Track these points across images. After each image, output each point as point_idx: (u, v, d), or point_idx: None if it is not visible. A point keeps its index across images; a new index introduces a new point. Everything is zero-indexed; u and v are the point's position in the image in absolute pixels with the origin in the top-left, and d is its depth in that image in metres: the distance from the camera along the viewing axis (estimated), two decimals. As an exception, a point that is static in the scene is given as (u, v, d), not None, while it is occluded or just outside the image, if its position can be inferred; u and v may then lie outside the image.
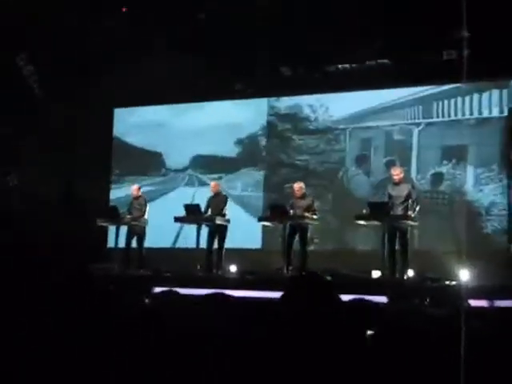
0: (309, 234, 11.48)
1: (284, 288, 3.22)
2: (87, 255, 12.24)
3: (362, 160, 13.84)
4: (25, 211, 13.15)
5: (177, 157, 15.33)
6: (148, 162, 15.71)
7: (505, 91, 12.69)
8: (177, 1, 12.47)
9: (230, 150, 14.85)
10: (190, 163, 15.26)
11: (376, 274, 10.76)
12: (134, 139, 15.78)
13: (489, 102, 12.75)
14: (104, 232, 14.10)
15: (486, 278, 10.32)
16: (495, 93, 12.75)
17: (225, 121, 14.59)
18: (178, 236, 14.28)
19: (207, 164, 15.11)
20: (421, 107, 13.33)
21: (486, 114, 12.81)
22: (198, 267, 11.79)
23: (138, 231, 12.52)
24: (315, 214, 11.49)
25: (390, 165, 12.78)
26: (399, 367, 2.93)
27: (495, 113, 12.74)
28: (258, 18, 12.29)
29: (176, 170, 15.44)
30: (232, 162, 14.87)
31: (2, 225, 12.00)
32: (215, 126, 14.62)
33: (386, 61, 13.18)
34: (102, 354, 3.10)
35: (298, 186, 11.72)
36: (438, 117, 13.17)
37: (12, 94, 13.86)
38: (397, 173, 11.02)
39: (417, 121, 13.36)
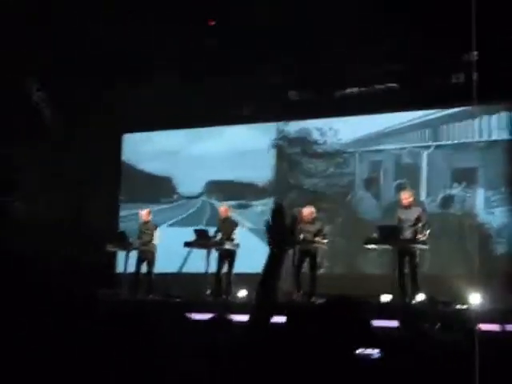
0: (318, 259, 11.45)
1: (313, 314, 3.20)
2: (96, 280, 12.21)
3: (370, 183, 13.81)
4: (33, 237, 13.14)
5: (189, 183, 15.33)
6: (158, 188, 15.71)
7: (514, 114, 12.67)
8: (187, 25, 12.50)
9: (241, 176, 14.80)
10: (203, 189, 15.25)
11: (386, 298, 10.68)
12: (145, 165, 15.80)
13: (498, 125, 12.73)
14: (113, 257, 14.07)
15: (497, 301, 10.25)
16: (504, 115, 12.73)
17: (234, 146, 14.60)
18: (186, 261, 14.24)
19: (220, 190, 15.07)
20: (430, 130, 13.31)
21: (495, 136, 12.78)
22: (208, 292, 11.75)
23: (147, 256, 12.51)
24: (325, 239, 11.46)
25: (399, 188, 12.74)
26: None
27: (504, 135, 12.71)
28: (266, 42, 12.31)
29: (188, 197, 15.44)
30: (243, 187, 14.84)
31: (11, 253, 11.99)
32: (224, 152, 14.65)
33: (394, 84, 13.18)
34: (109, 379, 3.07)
35: (309, 210, 11.67)
36: (447, 139, 13.15)
37: (23, 119, 13.93)
38: (406, 196, 11.00)
39: (426, 144, 13.34)
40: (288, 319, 3.25)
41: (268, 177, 14.68)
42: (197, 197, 15.30)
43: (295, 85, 13.84)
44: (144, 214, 12.92)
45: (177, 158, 15.31)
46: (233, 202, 14.32)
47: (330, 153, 14.16)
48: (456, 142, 13.09)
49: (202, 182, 15.25)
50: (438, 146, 13.23)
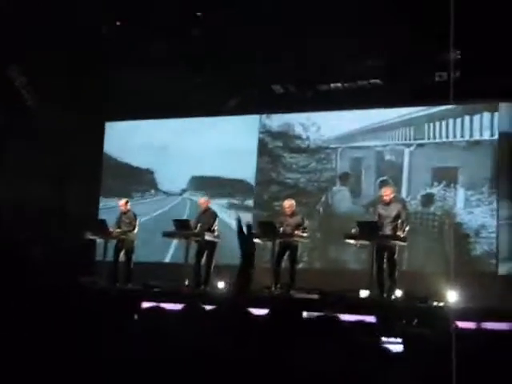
0: (298, 252, 11.47)
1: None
2: (75, 268, 12.17)
3: (344, 178, 13.84)
4: (13, 222, 13.08)
5: (170, 177, 15.31)
6: (139, 181, 15.68)
7: (496, 114, 12.73)
8: (172, 16, 12.48)
9: (222, 169, 14.78)
10: (186, 185, 15.23)
11: (364, 293, 10.73)
12: (128, 157, 15.76)
13: (480, 125, 12.80)
14: (92, 246, 14.05)
15: (473, 299, 10.34)
16: (486, 116, 12.80)
17: (217, 139, 14.59)
18: (166, 251, 14.24)
19: (202, 185, 15.02)
20: (412, 128, 13.36)
21: (477, 136, 12.85)
22: (186, 283, 11.75)
23: (126, 245, 12.49)
24: (305, 232, 11.49)
25: (381, 185, 12.80)
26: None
27: (486, 136, 12.78)
28: (251, 35, 12.31)
29: (168, 193, 15.43)
30: (224, 181, 14.82)
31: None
32: (207, 146, 14.66)
33: (377, 81, 13.23)
34: (90, 369, 3.08)
35: (289, 203, 11.71)
36: (429, 138, 13.20)
37: (4, 105, 13.86)
38: (387, 193, 11.05)
39: (408, 142, 13.39)
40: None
41: (250, 171, 14.66)
42: (180, 194, 15.28)
43: (280, 78, 13.84)
44: (122, 203, 12.89)
45: (157, 151, 15.27)
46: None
47: (312, 148, 14.17)
48: (438, 140, 13.14)
49: (185, 178, 15.23)
50: (420, 145, 13.28)
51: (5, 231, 12.41)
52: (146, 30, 12.76)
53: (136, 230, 12.58)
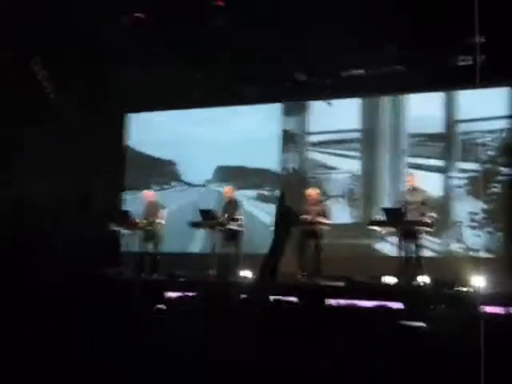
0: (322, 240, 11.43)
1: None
2: (101, 259, 12.23)
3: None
4: (40, 214, 13.15)
5: (193, 168, 15.31)
6: (162, 173, 15.68)
7: None
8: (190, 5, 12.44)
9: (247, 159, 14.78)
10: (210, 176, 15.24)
11: (391, 280, 10.71)
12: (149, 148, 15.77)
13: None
14: (118, 237, 14.11)
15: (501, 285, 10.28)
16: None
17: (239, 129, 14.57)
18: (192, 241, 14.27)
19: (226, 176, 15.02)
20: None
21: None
22: (212, 272, 11.77)
23: (153, 236, 12.53)
24: (329, 220, 11.46)
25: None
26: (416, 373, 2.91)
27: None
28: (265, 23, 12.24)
29: (191, 184, 15.43)
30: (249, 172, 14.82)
31: (16, 227, 12.02)
32: (230, 137, 14.68)
33: (401, 67, 13.12)
34: (108, 356, 3.09)
35: (314, 192, 11.73)
36: None
37: (27, 98, 13.90)
38: (410, 179, 11.02)
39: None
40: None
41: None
42: (203, 185, 15.26)
43: (302, 66, 13.79)
44: (149, 194, 12.93)
45: (180, 142, 15.28)
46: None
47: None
48: None
49: (209, 168, 15.23)
50: None
51: (29, 225, 12.50)
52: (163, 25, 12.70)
53: (163, 221, 12.60)
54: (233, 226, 11.93)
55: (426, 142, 13.29)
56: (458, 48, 12.28)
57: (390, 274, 10.72)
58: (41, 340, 3.22)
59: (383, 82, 13.21)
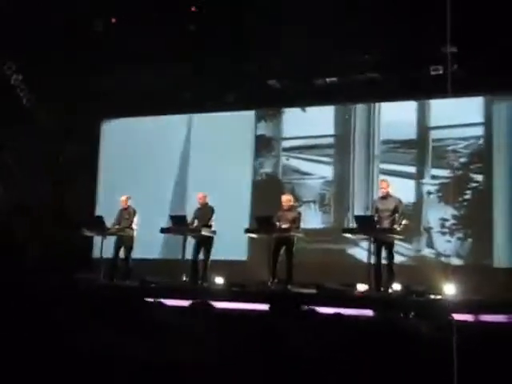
0: (294, 247, 11.42)
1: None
2: (72, 265, 12.17)
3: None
4: (10, 220, 13.07)
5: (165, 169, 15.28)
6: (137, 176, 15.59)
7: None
8: (169, 13, 12.46)
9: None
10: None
11: (362, 287, 10.75)
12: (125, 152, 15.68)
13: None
14: (89, 242, 14.05)
15: (471, 292, 10.37)
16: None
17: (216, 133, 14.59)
18: (163, 247, 14.25)
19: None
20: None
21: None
22: (184, 278, 11.76)
23: (125, 241, 12.48)
24: (299, 227, 11.46)
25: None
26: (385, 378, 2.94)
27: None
28: (246, 30, 12.29)
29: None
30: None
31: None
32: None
33: (375, 75, 13.21)
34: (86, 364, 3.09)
35: (286, 198, 11.72)
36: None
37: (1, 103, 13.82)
38: (384, 186, 11.05)
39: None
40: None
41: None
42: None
43: (276, 73, 13.84)
44: (123, 200, 12.86)
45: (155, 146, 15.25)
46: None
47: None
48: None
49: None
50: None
51: (3, 229, 12.42)
52: (140, 27, 12.70)
53: (135, 227, 12.56)
54: (205, 232, 11.91)
55: (398, 148, 13.39)
56: (432, 57, 12.38)
57: (361, 281, 10.76)
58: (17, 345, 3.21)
59: (357, 89, 13.30)
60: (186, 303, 4.51)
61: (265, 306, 3.61)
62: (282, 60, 13.18)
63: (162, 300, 4.53)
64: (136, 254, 12.56)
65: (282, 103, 14.30)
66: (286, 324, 3.14)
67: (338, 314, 4.29)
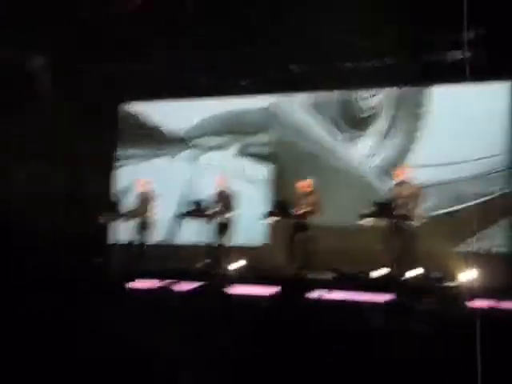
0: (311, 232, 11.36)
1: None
2: (89, 250, 12.18)
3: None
4: (27, 206, 13.08)
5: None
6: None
7: None
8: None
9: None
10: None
11: (381, 272, 10.70)
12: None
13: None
14: (106, 227, 14.05)
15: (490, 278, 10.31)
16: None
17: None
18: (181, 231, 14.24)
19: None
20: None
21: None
22: (201, 263, 11.74)
23: (143, 226, 12.49)
24: (319, 212, 11.42)
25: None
26: (403, 365, 2.91)
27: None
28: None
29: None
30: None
31: (5, 220, 11.97)
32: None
33: (391, 61, 13.11)
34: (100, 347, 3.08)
35: (306, 182, 11.68)
36: None
37: (21, 88, 13.82)
38: (399, 173, 11.00)
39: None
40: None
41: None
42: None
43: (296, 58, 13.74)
44: (141, 184, 12.85)
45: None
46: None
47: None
48: None
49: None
50: None
51: (17, 217, 12.45)
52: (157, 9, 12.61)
53: (154, 211, 12.55)
54: (225, 218, 11.90)
55: None
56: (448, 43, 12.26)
57: (379, 267, 10.70)
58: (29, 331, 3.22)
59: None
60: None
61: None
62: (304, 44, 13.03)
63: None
64: (154, 238, 12.55)
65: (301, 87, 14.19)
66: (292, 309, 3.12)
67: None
